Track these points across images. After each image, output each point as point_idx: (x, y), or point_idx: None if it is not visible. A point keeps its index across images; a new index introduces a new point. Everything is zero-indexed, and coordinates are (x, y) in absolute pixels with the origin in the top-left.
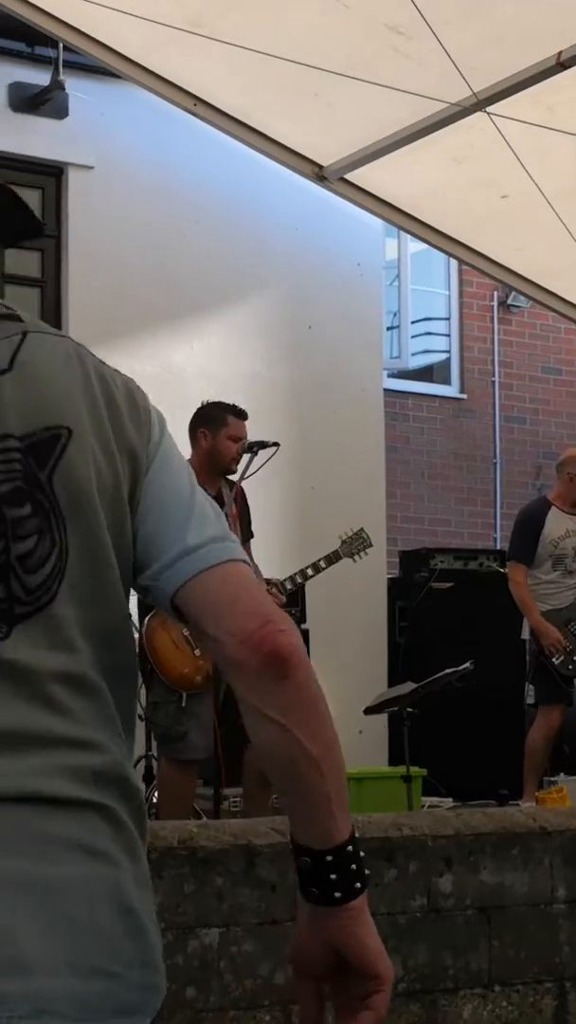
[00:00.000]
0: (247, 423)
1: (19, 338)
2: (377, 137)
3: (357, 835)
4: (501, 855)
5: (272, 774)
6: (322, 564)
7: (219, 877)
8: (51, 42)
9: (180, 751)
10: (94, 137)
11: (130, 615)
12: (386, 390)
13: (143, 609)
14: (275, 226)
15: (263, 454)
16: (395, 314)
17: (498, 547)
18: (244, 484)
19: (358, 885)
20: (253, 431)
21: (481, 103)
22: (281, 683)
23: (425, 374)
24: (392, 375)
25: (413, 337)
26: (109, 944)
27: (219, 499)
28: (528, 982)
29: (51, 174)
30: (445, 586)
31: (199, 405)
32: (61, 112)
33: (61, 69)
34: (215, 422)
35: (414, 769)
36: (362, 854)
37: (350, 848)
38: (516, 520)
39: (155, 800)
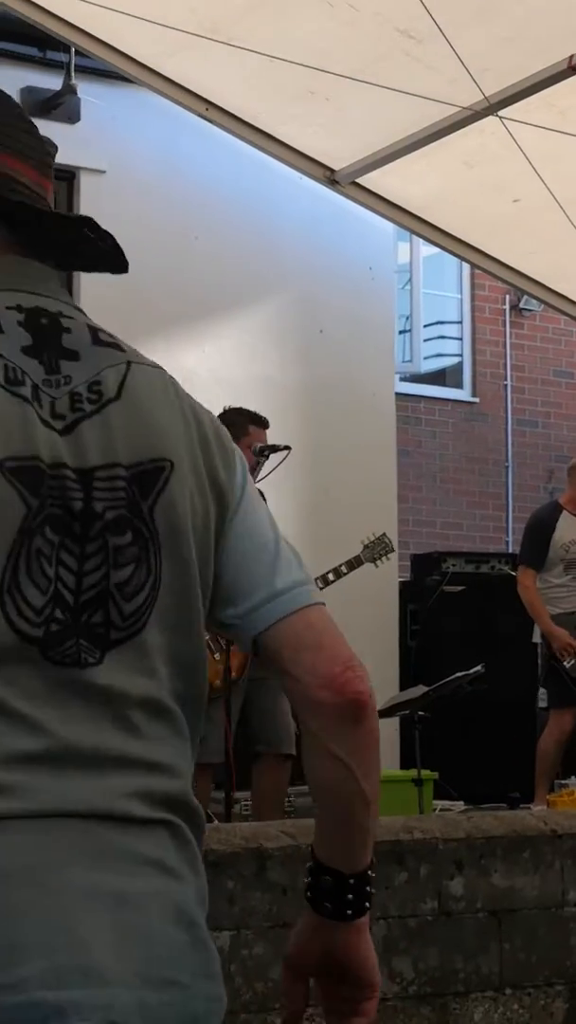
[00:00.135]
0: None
1: (124, 368)
2: (389, 141)
3: (374, 859)
4: (512, 858)
5: (323, 804)
6: (343, 569)
7: (230, 880)
8: (63, 47)
9: (198, 755)
10: (106, 142)
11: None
12: (398, 394)
13: None
14: (287, 230)
15: (274, 458)
16: (407, 318)
17: (510, 551)
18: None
19: (367, 904)
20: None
21: (493, 107)
22: (355, 727)
23: (437, 378)
24: (404, 379)
25: (425, 341)
26: (176, 955)
27: None
28: (539, 985)
29: (63, 178)
30: (457, 589)
31: (218, 410)
32: (73, 117)
33: (73, 74)
34: (236, 428)
35: (425, 772)
36: (372, 874)
37: (369, 872)
38: (527, 524)
39: None
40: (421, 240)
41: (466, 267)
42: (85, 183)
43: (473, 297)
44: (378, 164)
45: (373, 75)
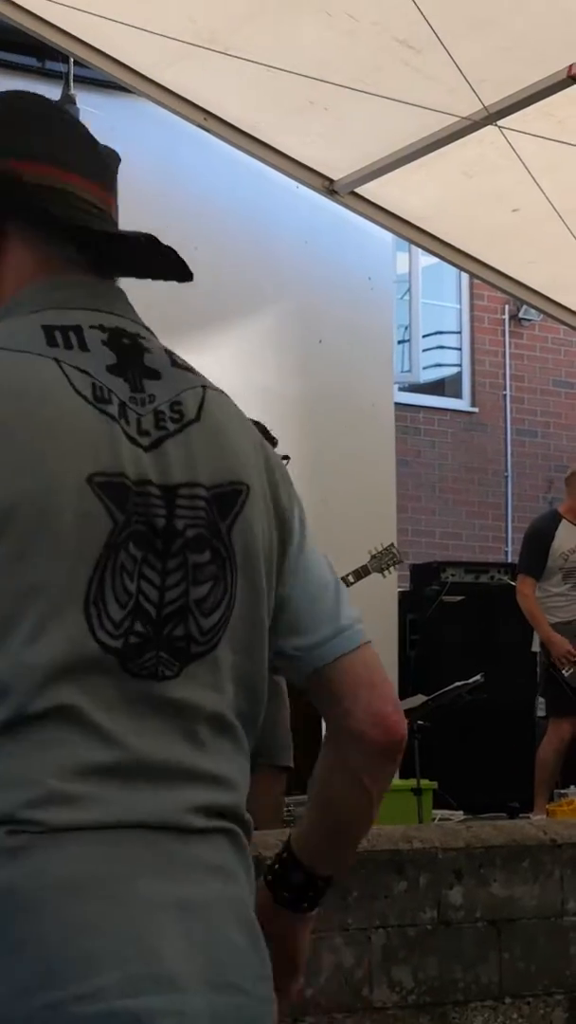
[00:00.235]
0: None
1: (201, 391)
2: (388, 151)
3: None
4: (511, 868)
5: (329, 819)
6: (351, 579)
7: None
8: (62, 57)
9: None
10: None
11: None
12: (397, 404)
13: None
14: (285, 240)
15: None
16: (406, 328)
17: (509, 560)
18: None
19: (320, 900)
20: None
21: (492, 116)
22: (391, 764)
23: (436, 388)
24: (403, 389)
25: (424, 351)
26: (238, 960)
27: None
28: (539, 994)
29: None
30: (456, 599)
31: None
32: None
33: (72, 84)
34: None
35: (424, 782)
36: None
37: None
38: (526, 533)
39: None
40: (420, 250)
41: (465, 277)
42: None
43: (472, 307)
44: (377, 174)
45: (372, 85)
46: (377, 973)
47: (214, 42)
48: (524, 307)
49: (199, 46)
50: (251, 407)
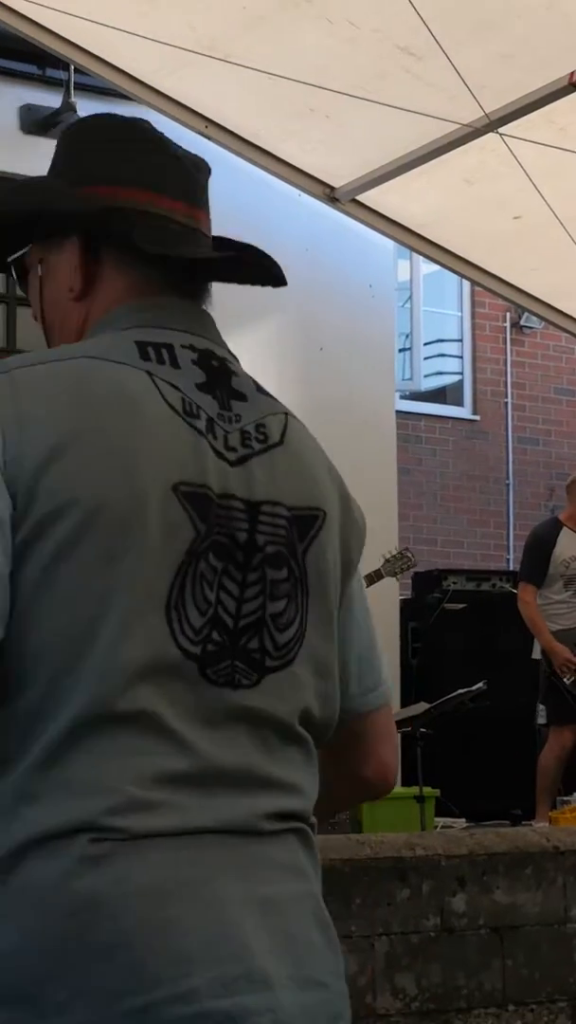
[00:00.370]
0: None
1: (284, 418)
2: (389, 158)
3: None
4: (514, 875)
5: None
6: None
7: None
8: (62, 64)
9: None
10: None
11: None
12: (398, 412)
13: None
14: (286, 248)
15: None
16: (407, 336)
17: (511, 568)
18: None
19: None
20: None
21: (493, 124)
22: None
23: (437, 396)
24: (404, 397)
25: (425, 359)
26: (317, 957)
27: None
28: (542, 1001)
29: None
30: (458, 607)
31: None
32: None
33: (72, 91)
34: None
35: (427, 789)
36: None
37: None
38: (527, 541)
39: None
40: (421, 258)
41: (466, 285)
42: None
43: (473, 315)
44: (378, 181)
45: (373, 92)
46: (380, 980)
47: (215, 49)
48: (525, 315)
49: (200, 53)
50: None
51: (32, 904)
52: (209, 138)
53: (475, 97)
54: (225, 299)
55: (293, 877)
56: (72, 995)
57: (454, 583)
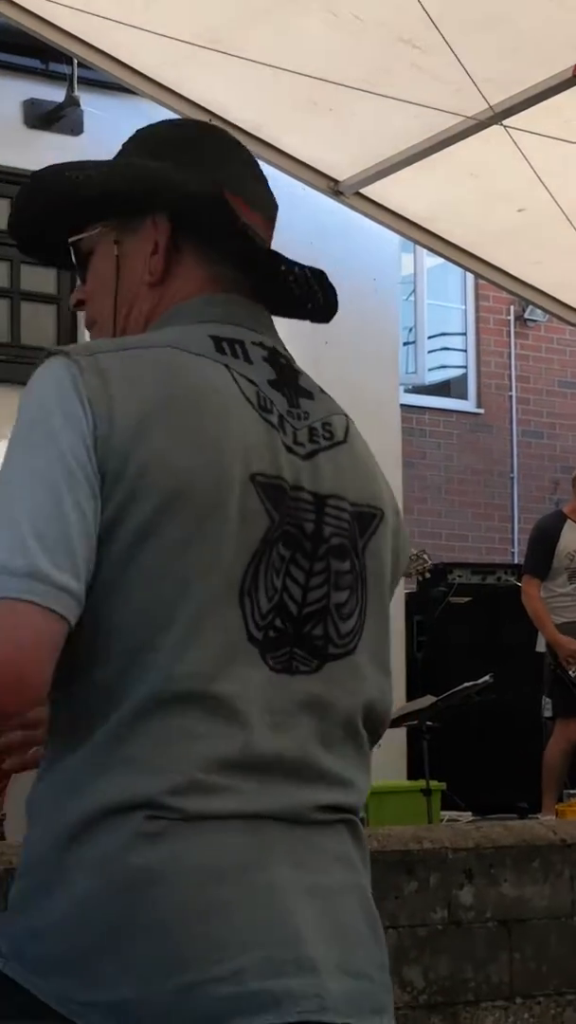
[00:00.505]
0: None
1: (346, 419)
2: (393, 151)
3: None
4: (521, 868)
5: None
6: None
7: None
8: (65, 59)
9: None
10: (109, 154)
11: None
12: (403, 405)
13: None
14: (290, 241)
15: None
16: (411, 329)
17: (515, 562)
18: None
19: None
20: None
21: (497, 116)
22: None
23: (442, 389)
24: (408, 390)
25: (429, 352)
26: (365, 948)
27: None
28: (549, 994)
29: None
30: (463, 601)
31: None
32: (76, 129)
33: (76, 86)
34: None
35: (433, 783)
36: None
37: None
38: (531, 534)
39: None
40: (425, 251)
41: (470, 278)
42: None
43: (477, 308)
44: (382, 175)
45: (377, 85)
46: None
47: (218, 43)
48: (530, 308)
49: (203, 47)
50: None
51: (87, 877)
52: None
53: (479, 90)
54: None
55: (343, 867)
56: (120, 969)
57: (459, 577)
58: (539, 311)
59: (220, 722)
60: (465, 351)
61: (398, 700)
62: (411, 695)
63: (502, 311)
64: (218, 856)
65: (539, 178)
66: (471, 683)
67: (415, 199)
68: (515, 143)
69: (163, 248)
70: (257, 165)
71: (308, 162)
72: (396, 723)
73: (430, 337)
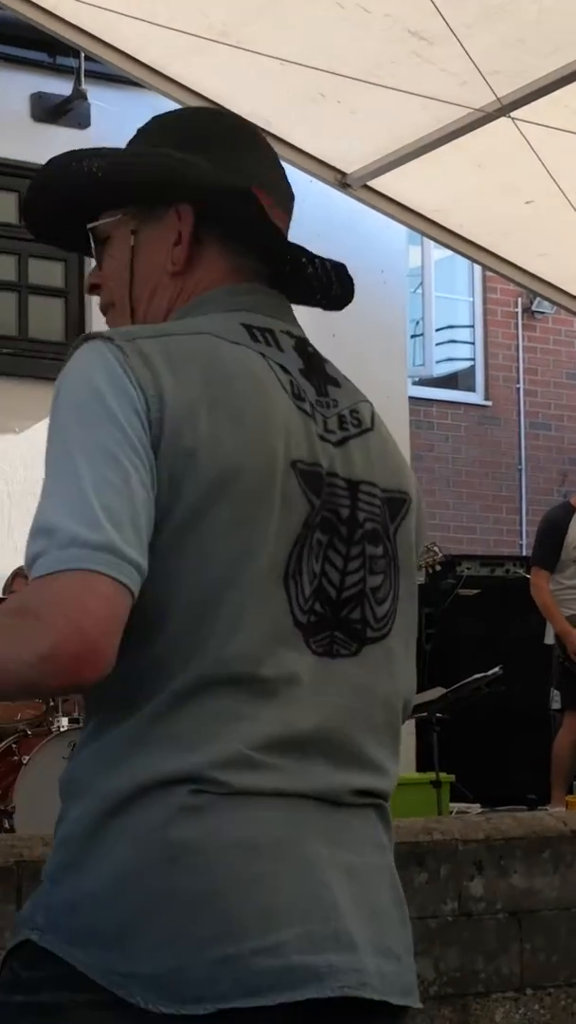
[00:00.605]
0: None
1: (371, 407)
2: (400, 144)
3: None
4: (531, 859)
5: None
6: None
7: None
8: (73, 52)
9: None
10: (116, 147)
11: None
12: (411, 398)
13: None
14: (298, 234)
15: None
16: (418, 322)
17: (524, 554)
18: None
19: None
20: None
21: (505, 108)
22: None
23: (449, 381)
24: (416, 383)
25: (437, 345)
26: (394, 930)
27: None
28: (560, 985)
29: None
30: (471, 593)
31: None
32: (83, 122)
33: (83, 79)
34: None
35: (442, 775)
36: None
37: None
38: (539, 526)
39: None
40: (432, 243)
41: (478, 270)
42: None
43: (485, 300)
44: (389, 167)
45: (384, 77)
46: None
47: (225, 35)
48: (537, 300)
49: (210, 40)
50: None
51: (129, 849)
52: None
53: (487, 82)
54: None
55: (373, 849)
56: (160, 940)
57: (467, 569)
58: (547, 303)
59: (265, 704)
60: (473, 343)
61: None
62: (421, 687)
63: (510, 303)
64: (257, 831)
65: (547, 170)
66: (481, 675)
67: (423, 191)
68: (523, 135)
69: (187, 239)
70: (276, 155)
71: (315, 155)
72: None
73: (438, 330)
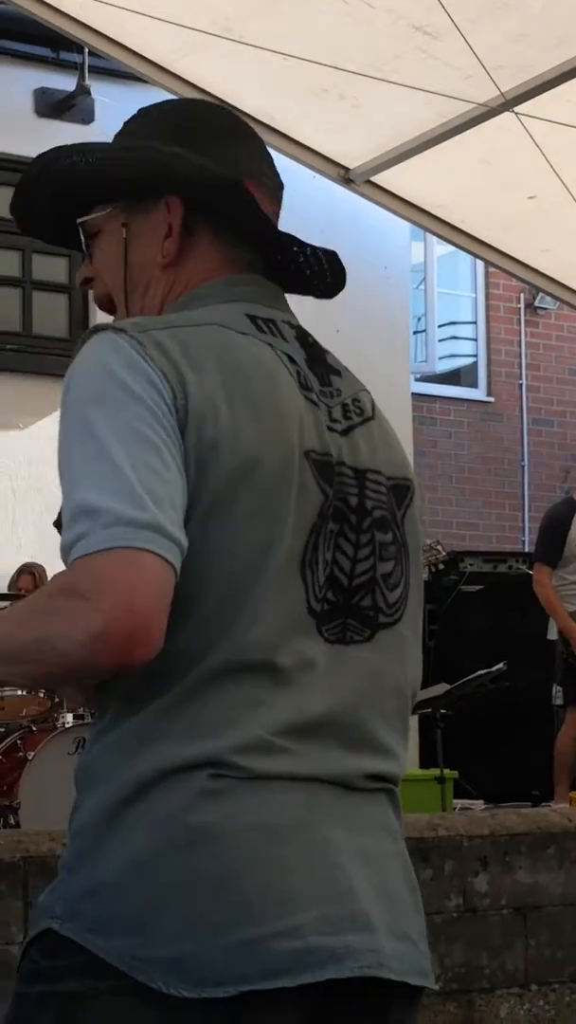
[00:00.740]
0: None
1: (370, 395)
2: (404, 139)
3: None
4: (536, 855)
5: None
6: None
7: None
8: (76, 47)
9: None
10: (104, 141)
11: None
12: (413, 394)
13: None
14: (301, 230)
15: None
16: (420, 318)
17: (526, 550)
18: None
19: None
20: None
21: (508, 103)
22: None
23: (452, 377)
24: (419, 379)
25: (440, 340)
26: (407, 915)
27: None
28: (564, 981)
29: None
30: (474, 589)
31: None
32: (87, 117)
33: (87, 74)
34: None
35: (446, 771)
36: None
37: None
38: (542, 522)
39: None
40: (435, 239)
41: (480, 266)
42: None
43: (488, 296)
44: (393, 162)
45: (388, 72)
46: None
47: (229, 31)
48: (540, 295)
49: (214, 35)
50: None
51: (148, 834)
52: None
53: (490, 76)
54: None
55: (386, 835)
56: (180, 924)
57: (470, 565)
58: (549, 299)
59: (281, 691)
60: (475, 339)
61: None
62: (424, 683)
63: (512, 299)
64: (274, 815)
65: (550, 165)
66: (485, 671)
67: (426, 187)
68: (526, 130)
69: (177, 231)
70: (263, 143)
71: (319, 150)
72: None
73: (440, 326)
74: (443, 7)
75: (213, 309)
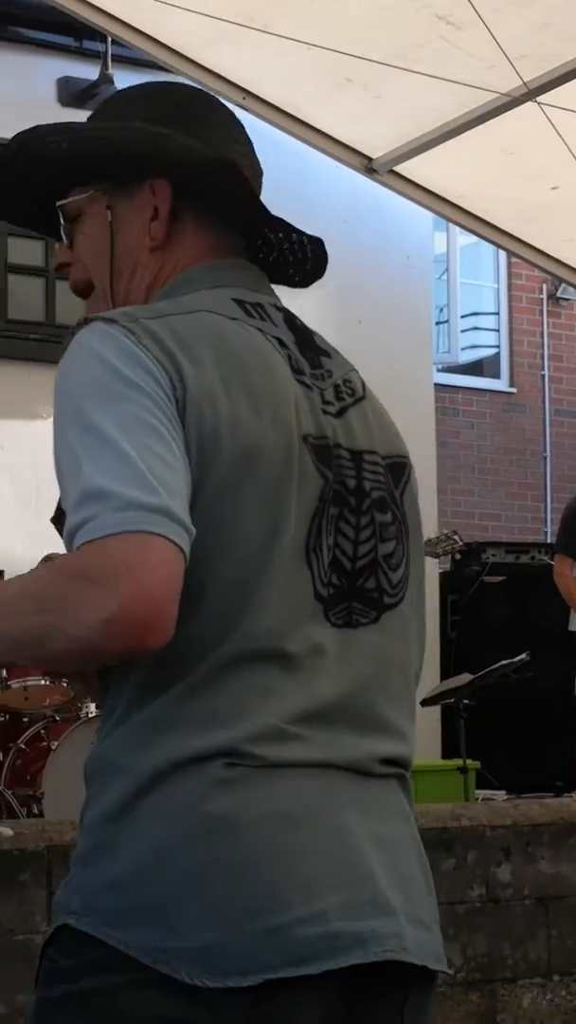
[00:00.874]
0: None
1: (359, 374)
2: (427, 129)
3: None
4: (559, 845)
5: None
6: None
7: None
8: (99, 36)
9: None
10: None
11: None
12: (436, 384)
13: None
14: (324, 220)
15: None
16: (443, 308)
17: (549, 541)
18: None
19: None
20: None
21: (531, 93)
22: None
23: (475, 368)
24: (441, 369)
25: (462, 331)
26: (421, 899)
27: None
28: None
29: None
30: (496, 580)
31: None
32: None
33: (110, 63)
34: None
35: (469, 762)
36: None
37: None
38: (563, 513)
39: None
40: (458, 229)
41: (503, 256)
42: None
43: (510, 287)
44: (416, 152)
45: (411, 62)
46: None
47: (253, 20)
48: (563, 286)
49: (238, 24)
50: None
51: (167, 825)
52: (247, 110)
53: (513, 66)
54: None
55: (400, 819)
56: (203, 914)
57: (492, 556)
58: (572, 289)
59: (292, 678)
60: (498, 330)
61: (433, 679)
62: (445, 674)
63: (535, 289)
64: (290, 802)
65: (573, 155)
66: (508, 661)
67: (448, 176)
68: (549, 120)
69: (164, 214)
70: (244, 127)
71: (342, 139)
72: (433, 701)
73: (463, 316)
74: None
75: (200, 295)
